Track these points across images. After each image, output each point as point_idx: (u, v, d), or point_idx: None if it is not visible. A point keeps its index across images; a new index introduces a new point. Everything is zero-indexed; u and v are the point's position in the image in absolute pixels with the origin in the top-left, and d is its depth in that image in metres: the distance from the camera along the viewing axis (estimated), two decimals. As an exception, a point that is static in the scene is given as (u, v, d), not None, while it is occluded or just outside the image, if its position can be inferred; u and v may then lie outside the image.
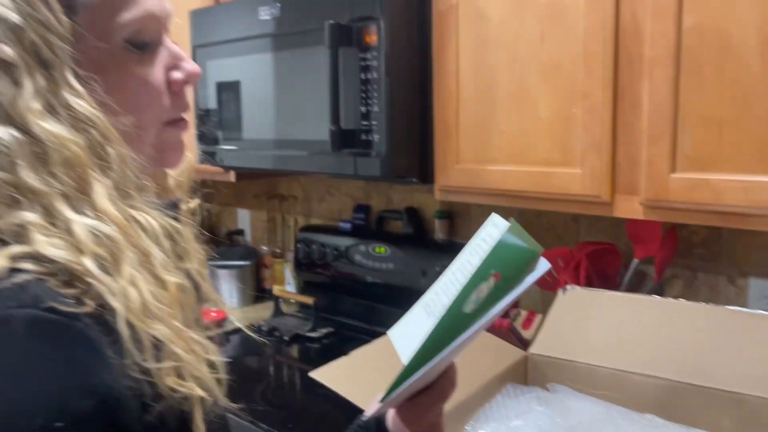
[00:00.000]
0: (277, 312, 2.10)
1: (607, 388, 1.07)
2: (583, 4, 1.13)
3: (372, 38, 1.35)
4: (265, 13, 1.56)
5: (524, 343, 1.44)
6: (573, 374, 1.10)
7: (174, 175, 0.69)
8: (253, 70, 1.65)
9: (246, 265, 2.27)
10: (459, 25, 1.31)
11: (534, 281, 0.66)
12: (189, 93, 0.65)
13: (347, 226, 2.01)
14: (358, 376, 0.97)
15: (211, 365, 0.54)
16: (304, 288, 2.15)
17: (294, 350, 1.88)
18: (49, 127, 0.49)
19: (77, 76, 0.51)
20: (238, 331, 2.01)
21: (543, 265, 0.67)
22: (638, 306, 1.14)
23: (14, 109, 0.49)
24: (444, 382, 0.72)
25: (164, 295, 0.51)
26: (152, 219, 0.53)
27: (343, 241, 1.98)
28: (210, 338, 0.57)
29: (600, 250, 1.39)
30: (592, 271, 1.37)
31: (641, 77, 1.07)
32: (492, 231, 0.72)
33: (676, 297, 1.40)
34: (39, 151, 0.49)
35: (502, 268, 0.65)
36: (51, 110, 0.50)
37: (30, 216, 0.48)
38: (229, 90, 1.73)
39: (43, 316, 0.45)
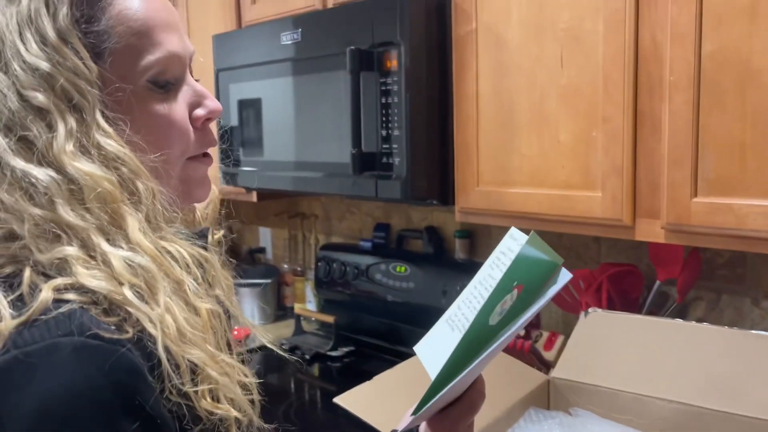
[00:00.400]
0: (298, 330, 2.12)
1: (630, 413, 1.06)
2: (602, 30, 1.14)
3: (393, 63, 1.37)
4: (287, 38, 1.58)
5: (545, 365, 1.44)
6: (595, 398, 1.10)
7: (200, 207, 0.72)
8: (273, 94, 1.67)
9: (267, 283, 2.30)
10: (478, 50, 1.33)
11: (557, 292, 0.67)
12: (213, 128, 0.68)
13: (368, 244, 2.03)
14: (382, 401, 0.98)
15: (245, 387, 0.57)
16: (325, 306, 2.17)
17: (315, 369, 1.89)
18: (82, 166, 0.52)
19: (106, 117, 0.55)
20: (260, 349, 2.03)
21: (564, 276, 0.68)
22: (661, 329, 1.14)
23: (50, 151, 0.52)
24: (473, 394, 0.73)
25: (197, 320, 0.54)
26: (182, 249, 0.56)
27: (364, 260, 1.99)
28: (242, 359, 0.60)
29: (622, 271, 1.39)
30: (613, 293, 1.37)
31: (662, 101, 1.08)
32: (511, 244, 0.73)
33: (699, 319, 1.39)
34: (75, 189, 0.52)
35: (525, 279, 0.66)
36: (83, 150, 0.53)
37: (70, 250, 0.51)
38: (250, 112, 1.76)
39: (88, 342, 0.47)
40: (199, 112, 0.63)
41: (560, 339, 1.45)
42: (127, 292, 0.50)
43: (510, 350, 1.42)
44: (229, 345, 0.60)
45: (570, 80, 1.20)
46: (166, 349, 0.50)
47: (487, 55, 1.32)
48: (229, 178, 1.82)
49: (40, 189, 0.51)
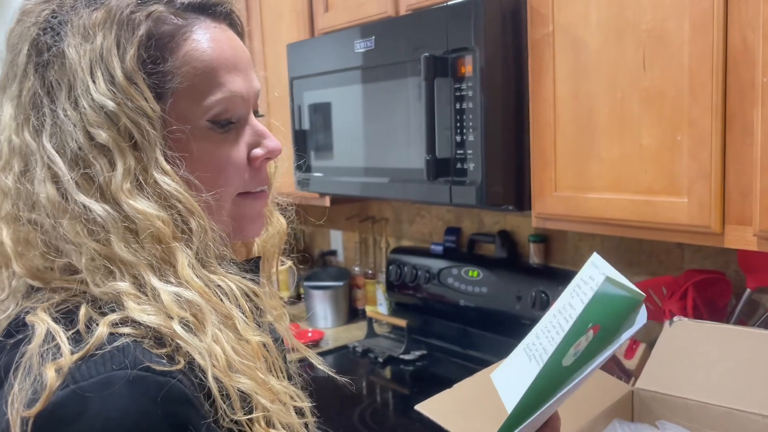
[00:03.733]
0: (370, 333, 2.14)
1: (721, 428, 1.03)
2: (688, 30, 1.10)
3: (467, 69, 1.37)
4: (361, 46, 1.60)
5: (626, 374, 1.41)
6: (684, 411, 1.06)
7: (262, 240, 0.73)
8: (346, 101, 1.70)
9: (339, 286, 2.33)
10: (555, 53, 1.31)
11: (632, 335, 0.65)
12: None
13: (439, 248, 2.03)
14: (464, 411, 0.98)
15: (300, 411, 0.58)
16: (396, 309, 2.18)
17: (388, 372, 1.90)
18: (137, 204, 0.54)
19: (164, 155, 0.57)
20: (336, 350, 2.07)
21: (642, 318, 0.66)
22: (752, 340, 1.09)
23: (109, 187, 0.54)
24: (546, 430, 0.73)
25: (247, 350, 0.55)
26: (231, 283, 0.57)
27: (435, 264, 1.99)
28: (299, 383, 0.62)
29: (708, 279, 1.34)
30: (699, 301, 1.32)
31: (753, 105, 1.03)
32: (593, 272, 0.72)
33: (792, 328, 1.33)
34: (129, 226, 0.54)
35: (601, 320, 0.65)
36: (140, 188, 0.55)
37: (122, 285, 0.53)
38: (322, 119, 1.79)
39: (141, 375, 0.49)
40: (258, 151, 0.63)
41: (642, 347, 1.42)
42: (176, 326, 0.52)
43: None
44: (284, 371, 0.61)
45: (653, 83, 1.17)
46: (216, 379, 0.51)
47: (564, 58, 1.30)
48: (303, 183, 1.86)
49: (99, 224, 0.53)
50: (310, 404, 0.61)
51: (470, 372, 1.17)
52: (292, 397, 0.58)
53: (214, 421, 0.51)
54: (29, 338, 0.51)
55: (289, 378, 0.63)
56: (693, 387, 1.08)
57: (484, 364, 1.54)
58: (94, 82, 0.54)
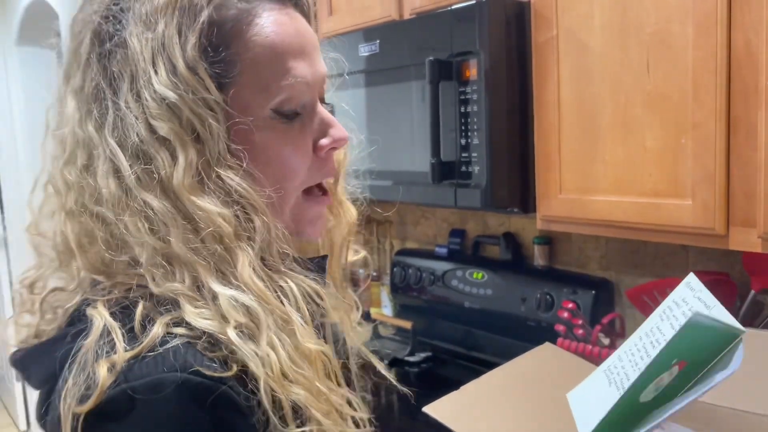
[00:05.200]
0: (375, 335, 2.14)
1: (727, 429, 1.03)
2: (692, 34, 1.10)
3: (471, 72, 1.38)
4: (365, 50, 1.61)
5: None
6: (690, 413, 1.07)
7: (328, 231, 0.70)
8: (350, 104, 1.70)
9: (343, 288, 2.33)
10: (560, 56, 1.31)
11: (725, 378, 0.57)
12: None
13: (443, 250, 2.03)
14: (472, 413, 0.99)
15: (357, 422, 0.57)
16: (401, 311, 2.19)
17: (393, 374, 1.91)
18: (198, 201, 0.52)
19: (228, 149, 0.54)
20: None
21: (736, 361, 0.58)
22: (757, 341, 1.10)
23: (170, 182, 0.52)
24: None
25: (303, 359, 0.53)
26: (293, 284, 0.55)
27: (440, 266, 2.00)
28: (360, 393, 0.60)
29: (713, 280, 1.34)
30: (704, 303, 1.32)
31: (757, 107, 1.04)
32: (686, 294, 0.65)
33: (797, 329, 1.33)
34: (189, 224, 0.52)
35: (688, 355, 0.58)
36: (202, 184, 0.53)
37: (179, 287, 0.51)
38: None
39: (191, 379, 0.48)
40: (324, 141, 0.61)
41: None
42: (231, 332, 0.50)
43: (596, 360, 1.40)
44: (343, 377, 0.59)
45: (657, 86, 1.17)
46: (269, 389, 0.50)
47: (568, 61, 1.30)
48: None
49: (159, 220, 0.52)
50: (369, 415, 0.59)
51: (475, 374, 1.18)
52: (351, 405, 0.56)
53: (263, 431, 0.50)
54: (87, 332, 0.51)
55: (349, 383, 0.61)
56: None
57: (490, 365, 1.55)
58: (156, 72, 0.52)
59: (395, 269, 2.14)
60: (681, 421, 1.08)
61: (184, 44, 0.53)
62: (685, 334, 0.55)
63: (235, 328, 0.50)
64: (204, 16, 0.53)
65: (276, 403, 0.50)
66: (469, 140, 1.40)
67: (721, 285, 1.35)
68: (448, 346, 1.99)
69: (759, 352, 1.07)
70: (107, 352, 0.49)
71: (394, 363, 1.93)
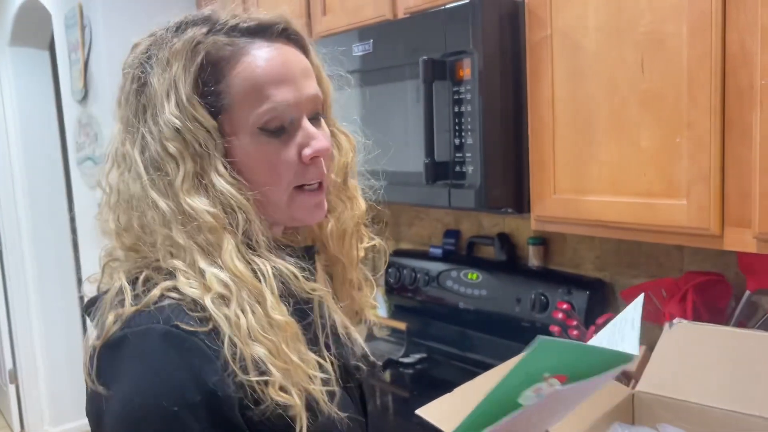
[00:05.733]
0: (369, 336, 2.13)
1: (723, 431, 1.03)
2: (686, 34, 1.10)
3: (465, 72, 1.37)
4: (359, 50, 1.60)
5: (626, 376, 1.40)
6: (685, 414, 1.06)
7: (335, 220, 0.83)
8: (343, 104, 1.69)
9: (338, 289, 2.32)
10: (554, 56, 1.31)
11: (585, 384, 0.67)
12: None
13: (438, 251, 2.03)
14: (463, 414, 0.98)
15: (324, 381, 0.68)
16: (395, 312, 2.18)
17: (387, 375, 1.90)
18: (191, 201, 0.68)
19: (220, 160, 0.69)
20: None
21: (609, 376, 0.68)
22: (752, 342, 1.09)
23: (172, 186, 0.68)
24: None
25: (270, 325, 0.66)
26: (269, 266, 0.69)
27: (434, 267, 1.99)
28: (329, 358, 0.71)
29: (708, 281, 1.34)
30: (699, 303, 1.32)
31: (752, 107, 1.03)
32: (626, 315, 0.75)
33: (792, 330, 1.33)
34: (185, 218, 0.68)
35: (566, 370, 0.64)
36: (197, 188, 0.68)
37: (178, 263, 0.67)
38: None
39: (172, 331, 0.63)
40: (306, 151, 0.72)
41: (642, 350, 1.41)
42: (207, 299, 0.65)
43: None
44: (311, 341, 0.71)
45: (651, 85, 1.17)
46: (232, 343, 0.63)
47: (562, 60, 1.30)
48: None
49: (165, 216, 0.68)
50: (327, 376, 0.69)
51: (470, 375, 1.17)
52: (322, 367, 0.68)
53: (228, 376, 0.62)
54: (109, 290, 0.68)
55: (328, 349, 0.73)
56: (693, 389, 1.08)
57: (484, 366, 1.54)
58: (167, 104, 0.68)
59: (390, 270, 2.13)
60: (675, 423, 1.08)
61: (185, 81, 0.68)
62: (536, 354, 0.62)
63: (212, 296, 0.65)
64: (200, 58, 0.69)
65: (236, 355, 0.63)
66: (463, 140, 1.39)
67: (716, 285, 1.34)
68: (443, 347, 1.98)
69: (754, 354, 1.07)
70: (115, 306, 0.66)
71: (388, 364, 1.92)
